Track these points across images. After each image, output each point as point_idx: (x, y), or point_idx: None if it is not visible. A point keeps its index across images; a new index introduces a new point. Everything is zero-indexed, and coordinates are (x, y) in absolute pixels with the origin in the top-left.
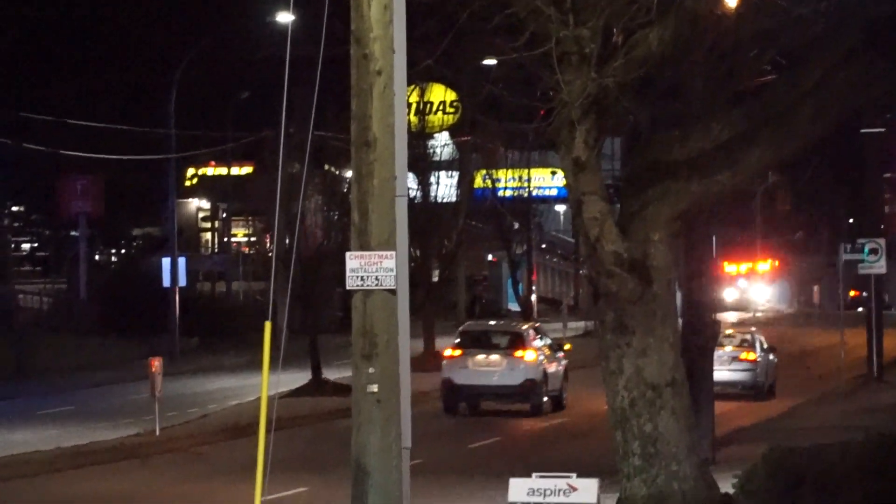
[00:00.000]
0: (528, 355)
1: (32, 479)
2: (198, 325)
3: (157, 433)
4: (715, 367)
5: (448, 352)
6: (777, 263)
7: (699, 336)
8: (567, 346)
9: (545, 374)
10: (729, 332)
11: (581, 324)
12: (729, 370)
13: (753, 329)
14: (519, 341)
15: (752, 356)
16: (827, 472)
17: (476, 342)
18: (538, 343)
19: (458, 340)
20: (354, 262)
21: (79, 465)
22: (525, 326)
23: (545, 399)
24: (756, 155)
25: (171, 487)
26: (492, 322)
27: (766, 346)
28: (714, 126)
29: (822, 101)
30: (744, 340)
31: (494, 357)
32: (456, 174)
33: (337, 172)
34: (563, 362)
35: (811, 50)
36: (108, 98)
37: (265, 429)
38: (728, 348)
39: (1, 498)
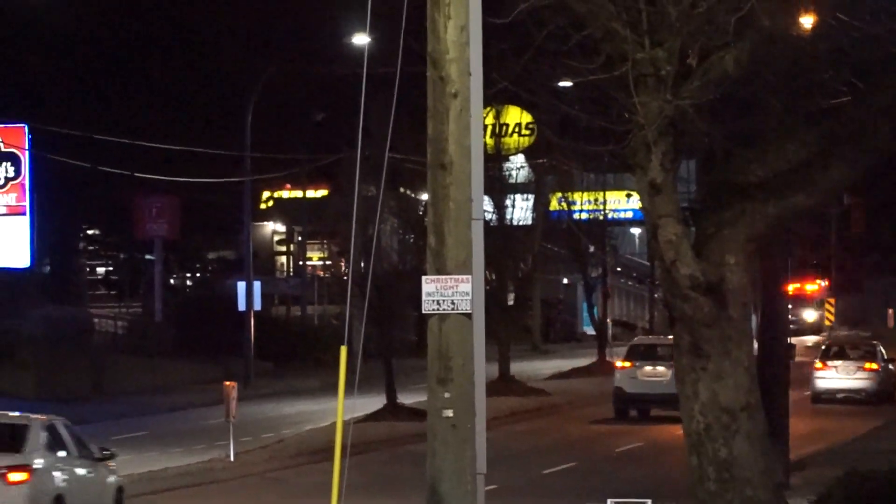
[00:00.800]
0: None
1: None
2: (273, 348)
3: (232, 458)
4: (842, 376)
5: (619, 363)
6: (826, 283)
7: (774, 358)
8: None
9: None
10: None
11: None
12: (854, 378)
13: (875, 342)
14: None
15: (874, 365)
16: None
17: (644, 355)
18: None
19: (627, 353)
20: (430, 285)
21: (154, 491)
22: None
23: None
24: (832, 175)
25: None
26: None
27: (885, 356)
28: (790, 147)
29: None
30: (867, 352)
31: (661, 368)
32: (531, 196)
33: (412, 195)
34: None
35: (887, 68)
36: (185, 119)
37: (340, 453)
38: (853, 359)
39: None
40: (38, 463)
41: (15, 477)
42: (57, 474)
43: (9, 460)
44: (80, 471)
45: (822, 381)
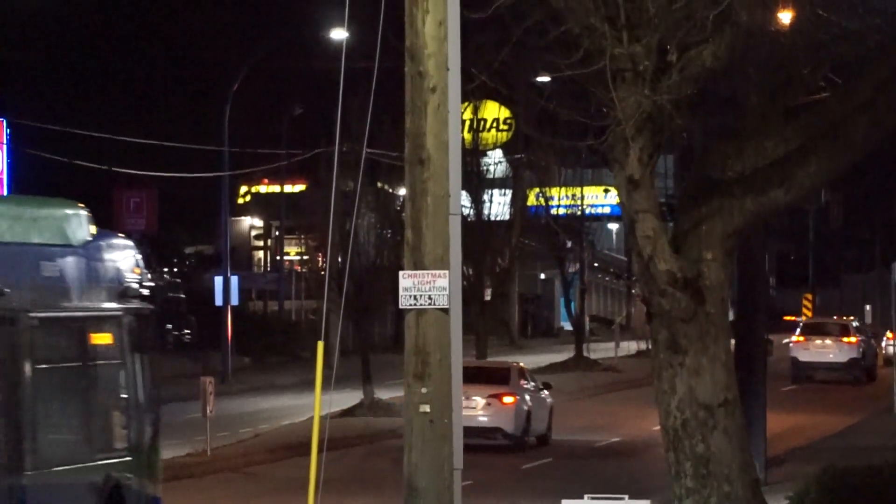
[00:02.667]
0: (853, 340)
1: None
2: (250, 343)
3: (209, 453)
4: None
5: (794, 338)
6: None
7: (752, 353)
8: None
9: (864, 353)
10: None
11: (633, 343)
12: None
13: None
14: (846, 331)
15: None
16: (880, 492)
17: (814, 331)
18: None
19: (799, 330)
20: (408, 280)
21: None
22: (851, 320)
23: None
24: (810, 171)
25: None
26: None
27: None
28: (767, 142)
29: (877, 114)
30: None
31: (828, 342)
32: (509, 192)
33: (390, 190)
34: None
35: (865, 63)
36: (162, 114)
37: (317, 448)
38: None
39: None
40: (518, 391)
41: (507, 400)
42: (527, 397)
43: (503, 389)
44: (535, 395)
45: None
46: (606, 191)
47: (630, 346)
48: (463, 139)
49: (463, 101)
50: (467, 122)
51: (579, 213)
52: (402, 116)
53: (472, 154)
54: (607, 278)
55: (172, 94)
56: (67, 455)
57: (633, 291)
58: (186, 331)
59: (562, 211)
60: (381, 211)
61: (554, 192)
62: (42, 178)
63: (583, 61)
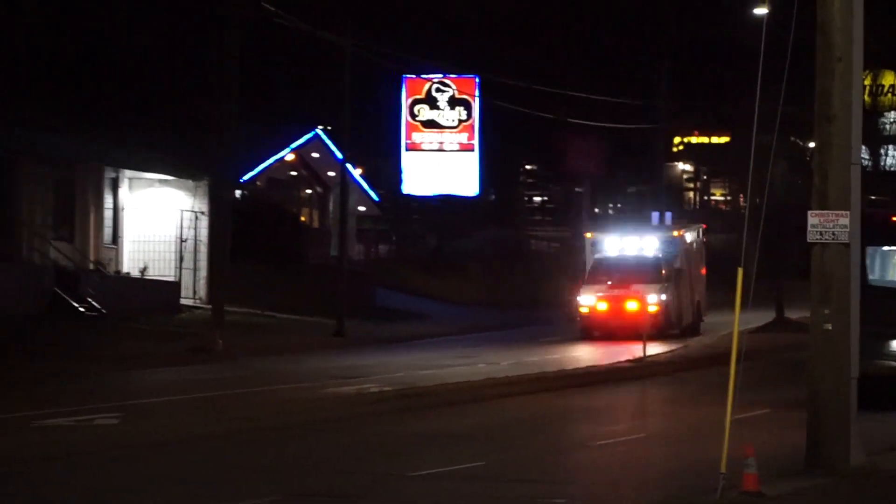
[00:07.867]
0: None
1: (541, 395)
2: None
3: (644, 359)
4: None
5: None
6: None
7: None
8: None
9: None
10: None
11: None
12: None
13: None
14: None
15: None
16: None
17: None
18: None
19: None
20: (815, 219)
21: (579, 385)
22: None
23: None
24: None
25: (656, 405)
26: None
27: None
28: None
29: None
30: None
31: None
32: None
33: (801, 143)
34: None
35: None
36: (607, 74)
37: (735, 358)
38: None
39: (514, 410)
40: None
41: None
42: None
43: None
44: None
45: None
46: None
47: None
48: (863, 101)
49: (864, 69)
50: (867, 87)
51: None
52: (812, 79)
53: (871, 114)
54: None
55: (612, 55)
56: None
57: None
58: None
59: None
60: (793, 160)
61: None
62: (507, 126)
63: None
